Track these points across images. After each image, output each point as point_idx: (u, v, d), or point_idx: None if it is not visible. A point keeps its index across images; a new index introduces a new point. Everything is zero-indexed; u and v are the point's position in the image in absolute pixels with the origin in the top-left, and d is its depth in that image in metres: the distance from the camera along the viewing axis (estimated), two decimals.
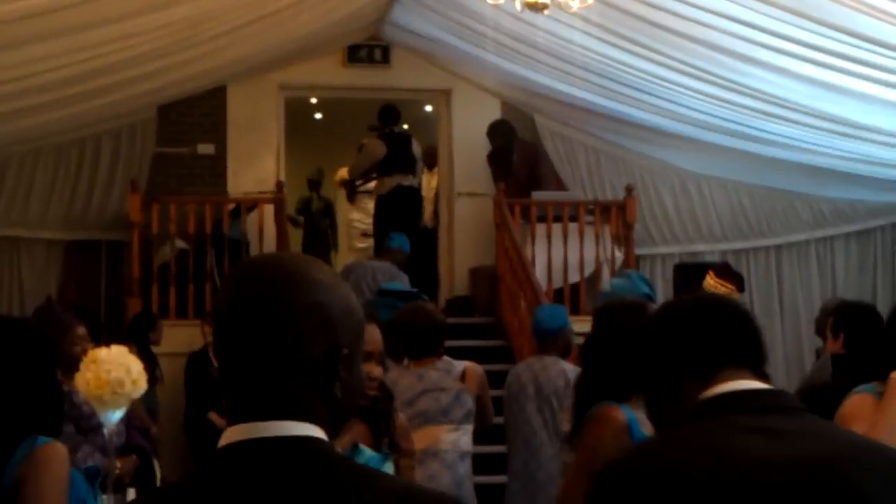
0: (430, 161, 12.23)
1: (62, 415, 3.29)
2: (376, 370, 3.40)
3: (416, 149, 11.23)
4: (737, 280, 6.83)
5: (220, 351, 1.68)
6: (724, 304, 2.27)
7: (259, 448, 1.59)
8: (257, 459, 1.58)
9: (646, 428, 3.60)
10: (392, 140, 11.07)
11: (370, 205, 11.77)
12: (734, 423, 1.98)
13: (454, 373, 5.47)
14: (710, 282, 6.76)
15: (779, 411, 2.01)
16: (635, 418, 3.55)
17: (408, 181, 11.01)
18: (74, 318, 5.42)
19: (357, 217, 11.83)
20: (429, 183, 12.26)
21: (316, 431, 1.61)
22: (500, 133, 11.30)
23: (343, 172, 11.98)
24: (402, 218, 10.83)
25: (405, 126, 12.58)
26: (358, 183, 11.46)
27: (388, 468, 3.25)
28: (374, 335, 3.38)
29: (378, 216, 11.23)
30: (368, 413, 3.36)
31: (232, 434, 1.61)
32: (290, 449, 1.59)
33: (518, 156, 11.25)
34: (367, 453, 3.22)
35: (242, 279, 1.70)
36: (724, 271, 6.94)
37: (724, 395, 2.04)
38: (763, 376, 2.12)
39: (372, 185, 11.61)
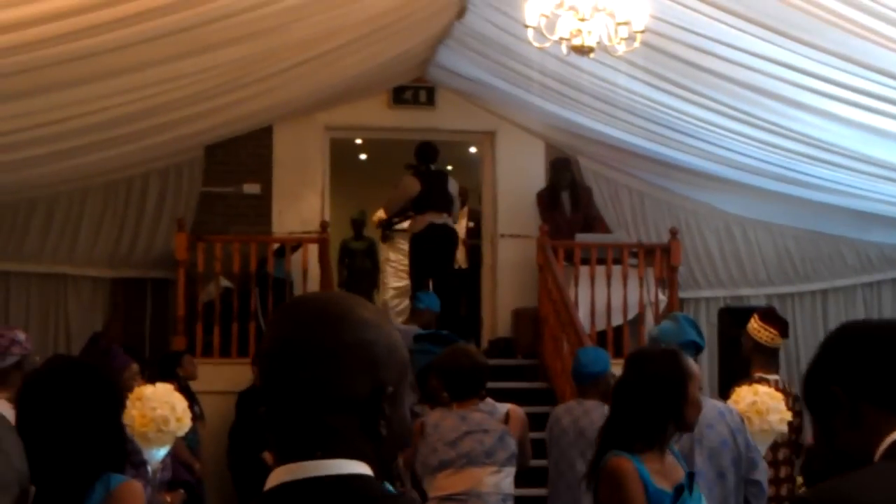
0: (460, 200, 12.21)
1: (126, 454, 3.31)
2: None
3: (453, 187, 11.18)
4: (781, 325, 6.77)
5: (265, 390, 1.69)
6: None
7: (307, 488, 1.59)
8: (306, 500, 1.59)
9: (657, 478, 3.60)
10: (427, 178, 11.05)
11: (406, 245, 11.79)
12: None
13: (497, 415, 5.45)
14: (755, 325, 6.70)
15: None
16: (645, 469, 3.58)
17: (441, 219, 10.94)
18: (127, 357, 5.49)
19: (394, 258, 11.82)
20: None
21: (363, 469, 1.62)
22: (564, 169, 11.26)
23: (380, 213, 12.02)
24: (435, 256, 10.83)
25: (449, 167, 12.65)
26: (394, 221, 11.48)
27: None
28: None
29: (412, 254, 11.25)
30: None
31: (280, 475, 1.62)
32: (338, 488, 1.59)
33: (574, 197, 11.21)
34: None
35: (288, 318, 1.71)
36: (770, 315, 6.88)
37: None
38: None
39: (407, 224, 11.64)
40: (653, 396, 3.71)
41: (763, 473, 5.00)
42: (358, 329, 1.66)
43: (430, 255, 10.83)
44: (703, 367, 11.20)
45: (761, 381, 6.23)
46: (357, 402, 1.64)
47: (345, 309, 1.69)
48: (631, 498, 3.53)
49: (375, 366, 1.66)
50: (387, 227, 11.61)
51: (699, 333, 5.23)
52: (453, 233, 11.21)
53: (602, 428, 3.90)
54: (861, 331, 2.11)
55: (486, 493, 5.34)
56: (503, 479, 5.43)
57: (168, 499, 5.15)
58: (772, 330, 6.68)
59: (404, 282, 11.82)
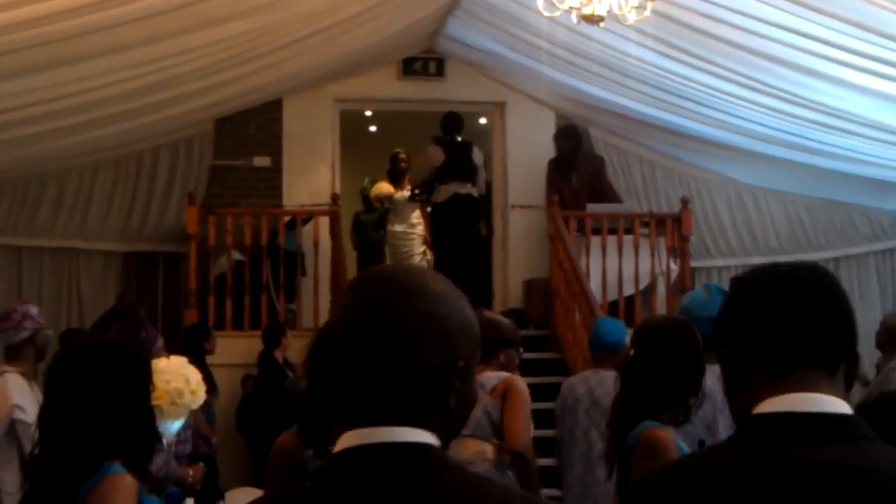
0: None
1: (154, 437, 3.29)
2: None
3: (478, 157, 11.07)
4: None
5: (338, 358, 1.72)
6: (804, 285, 1.92)
7: (375, 453, 1.64)
8: (373, 464, 1.63)
9: (686, 448, 3.63)
10: (451, 147, 10.96)
11: (411, 215, 11.74)
12: (780, 453, 1.78)
13: (487, 387, 5.33)
14: None
15: (835, 441, 1.78)
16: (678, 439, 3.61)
17: (465, 189, 10.83)
18: (155, 330, 5.49)
19: (399, 229, 11.61)
20: None
21: (430, 438, 1.66)
22: (569, 137, 11.24)
23: (378, 189, 11.86)
24: (458, 227, 10.75)
25: (458, 138, 12.56)
26: (416, 192, 11.39)
27: None
28: None
29: (434, 225, 11.21)
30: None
31: (348, 439, 1.67)
32: (404, 454, 1.64)
33: (583, 166, 11.18)
34: None
35: (362, 291, 1.74)
36: None
37: (774, 417, 1.83)
38: (838, 378, 1.87)
39: (403, 194, 11.56)
40: (675, 367, 3.72)
41: None
42: (432, 302, 1.70)
43: (454, 225, 10.76)
44: None
45: None
46: (428, 374, 1.67)
47: (419, 282, 1.72)
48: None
49: (448, 339, 1.69)
50: (411, 198, 11.51)
51: None
52: (478, 202, 11.13)
53: (617, 399, 3.90)
54: (752, 286, 1.97)
55: (490, 459, 5.30)
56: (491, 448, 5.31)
57: (190, 472, 5.17)
58: None
59: (406, 252, 11.62)
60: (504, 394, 5.25)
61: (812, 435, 1.80)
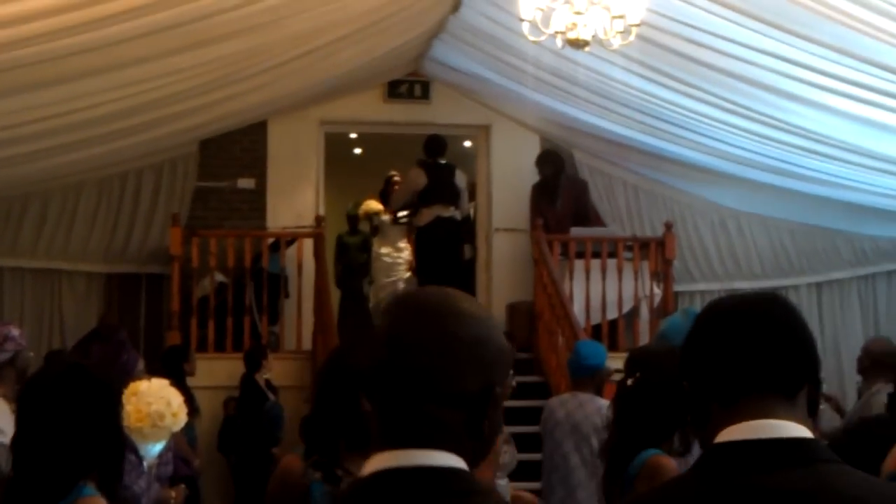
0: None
1: (122, 460, 3.29)
2: None
3: (461, 180, 11.08)
4: None
5: (377, 376, 1.71)
6: (757, 314, 1.91)
7: (410, 477, 1.64)
8: (408, 488, 1.63)
9: None
10: (434, 171, 10.95)
11: (398, 240, 11.72)
12: (737, 481, 1.77)
13: None
14: None
15: (793, 465, 1.77)
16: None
17: (448, 213, 10.83)
18: (136, 355, 5.47)
19: (384, 251, 11.62)
20: None
21: (462, 464, 1.66)
22: (550, 162, 11.27)
23: (368, 206, 11.87)
24: (441, 250, 10.72)
25: (442, 161, 12.56)
26: (400, 215, 11.37)
27: None
28: None
29: (417, 248, 11.20)
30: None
31: (382, 460, 1.67)
32: (439, 480, 1.64)
33: (566, 190, 11.21)
34: None
35: (407, 310, 1.74)
36: None
37: (731, 446, 1.82)
38: (798, 403, 1.86)
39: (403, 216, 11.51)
40: (673, 396, 3.72)
41: None
42: (474, 326, 1.70)
43: (437, 248, 10.74)
44: None
45: None
46: (466, 399, 1.67)
47: (463, 306, 1.72)
48: None
49: (488, 364, 1.70)
50: (395, 221, 11.51)
51: None
52: (460, 226, 11.09)
53: (612, 427, 3.88)
54: (707, 318, 1.98)
55: None
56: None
57: (172, 494, 5.14)
58: None
59: (395, 276, 11.66)
60: None
61: (769, 461, 1.78)
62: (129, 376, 4.94)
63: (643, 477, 3.61)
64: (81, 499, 3.01)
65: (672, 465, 3.63)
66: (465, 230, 11.37)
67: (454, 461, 1.65)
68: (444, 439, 1.65)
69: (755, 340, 1.88)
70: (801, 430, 1.83)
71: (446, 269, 10.69)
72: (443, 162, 11.12)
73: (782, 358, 1.88)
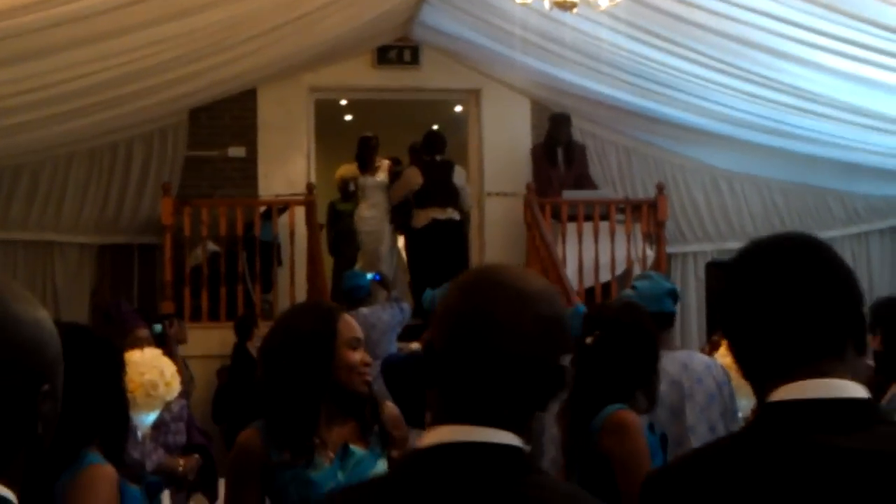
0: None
1: (127, 426, 3.25)
2: (367, 357, 3.34)
3: (459, 177, 10.75)
4: None
5: (442, 350, 1.72)
6: (806, 270, 1.81)
7: (467, 451, 1.65)
8: (463, 463, 1.64)
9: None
10: (431, 169, 10.61)
11: (378, 199, 11.18)
12: (797, 443, 1.73)
13: None
14: None
15: (854, 427, 1.72)
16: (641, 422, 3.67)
17: (444, 215, 10.51)
18: (138, 320, 5.44)
19: (368, 214, 11.25)
20: None
21: (520, 443, 1.68)
22: (565, 122, 11.08)
23: (343, 170, 11.65)
24: (438, 255, 10.25)
25: (434, 126, 12.50)
26: (394, 220, 11.04)
27: (382, 466, 3.19)
28: (354, 323, 3.35)
29: (411, 252, 10.93)
30: (357, 404, 3.25)
31: (441, 434, 1.68)
32: (497, 456, 1.65)
33: (573, 151, 11.09)
34: (359, 454, 3.16)
35: (478, 287, 1.75)
36: None
37: (786, 406, 1.77)
38: (847, 358, 1.80)
39: (380, 177, 11.19)
40: (631, 350, 3.73)
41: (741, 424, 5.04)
42: (547, 304, 1.72)
43: (432, 253, 10.32)
44: (691, 321, 11.28)
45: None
46: (537, 378, 1.70)
47: (540, 286, 1.74)
48: (640, 448, 3.57)
49: (562, 342, 1.73)
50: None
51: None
52: (458, 227, 10.75)
53: (573, 386, 3.87)
54: (748, 272, 1.90)
55: None
56: None
57: (181, 461, 5.14)
58: None
59: (380, 237, 11.33)
60: None
61: (829, 422, 1.74)
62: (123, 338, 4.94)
63: (607, 430, 3.62)
64: (90, 467, 2.96)
65: (636, 419, 3.64)
66: (465, 229, 11.04)
67: (512, 439, 1.66)
68: (507, 417, 1.67)
69: (804, 304, 1.80)
70: (857, 390, 1.78)
71: (445, 272, 10.51)
72: (440, 159, 10.79)
73: (833, 319, 1.81)
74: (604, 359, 3.74)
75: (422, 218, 10.58)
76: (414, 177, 10.67)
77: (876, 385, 4.18)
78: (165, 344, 7.43)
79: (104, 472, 2.98)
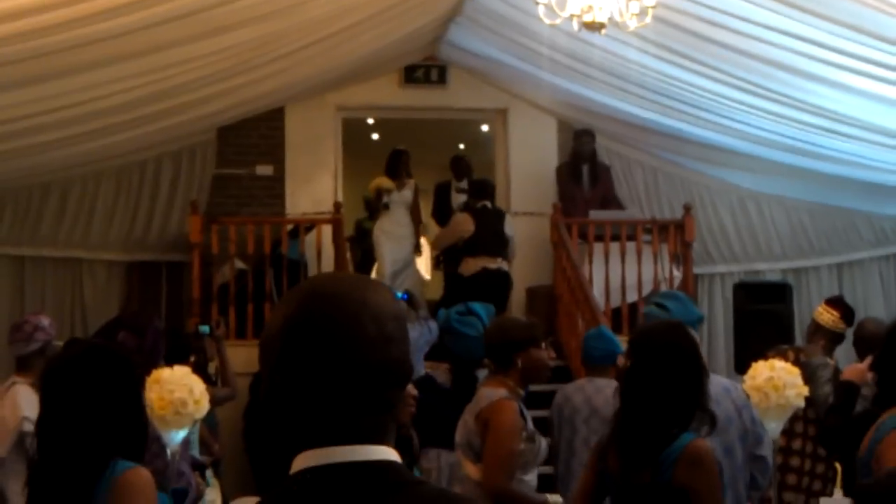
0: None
1: (146, 440, 3.32)
2: (414, 389, 3.30)
3: (509, 227, 10.56)
4: (844, 309, 6.83)
5: (289, 371, 1.64)
6: None
7: (338, 473, 1.56)
8: (336, 485, 1.55)
9: None
10: (482, 217, 10.40)
11: (401, 215, 11.12)
12: None
13: (476, 408, 4.95)
14: (820, 308, 6.88)
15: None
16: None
17: (495, 264, 10.30)
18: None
19: (389, 228, 11.17)
20: None
21: (393, 455, 1.60)
22: (589, 137, 11.06)
23: (379, 181, 11.55)
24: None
25: (461, 145, 12.53)
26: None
27: None
28: None
29: (456, 299, 10.82)
30: (403, 439, 3.21)
31: (308, 458, 1.59)
32: (368, 474, 1.57)
33: (591, 173, 11.06)
34: None
35: (311, 300, 1.66)
36: (835, 300, 7.02)
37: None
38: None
39: (406, 193, 11.12)
40: (675, 371, 3.69)
41: (768, 448, 5.01)
42: (383, 302, 1.65)
43: (480, 301, 10.23)
44: (718, 343, 11.24)
45: (777, 354, 6.22)
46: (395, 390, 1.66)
47: (381, 298, 1.65)
48: (718, 483, 3.61)
49: (399, 339, 1.65)
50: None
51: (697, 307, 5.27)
52: (507, 277, 10.57)
53: (617, 412, 3.83)
54: None
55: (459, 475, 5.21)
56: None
57: (200, 480, 5.16)
58: (833, 313, 6.76)
59: (401, 254, 11.28)
60: (486, 422, 4.87)
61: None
62: (156, 363, 4.96)
63: (686, 462, 3.58)
64: (126, 472, 3.04)
65: (711, 451, 3.62)
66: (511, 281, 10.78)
67: (385, 454, 1.59)
68: (374, 432, 1.59)
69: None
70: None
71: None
72: (490, 206, 10.63)
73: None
74: (642, 382, 3.71)
75: (471, 266, 10.33)
76: (466, 223, 10.46)
77: (868, 416, 4.18)
78: (215, 343, 7.49)
79: (142, 474, 3.08)
